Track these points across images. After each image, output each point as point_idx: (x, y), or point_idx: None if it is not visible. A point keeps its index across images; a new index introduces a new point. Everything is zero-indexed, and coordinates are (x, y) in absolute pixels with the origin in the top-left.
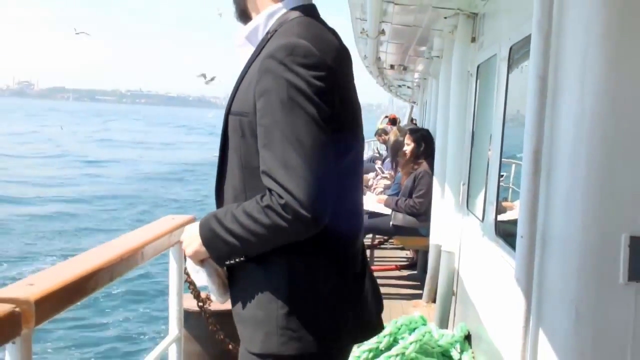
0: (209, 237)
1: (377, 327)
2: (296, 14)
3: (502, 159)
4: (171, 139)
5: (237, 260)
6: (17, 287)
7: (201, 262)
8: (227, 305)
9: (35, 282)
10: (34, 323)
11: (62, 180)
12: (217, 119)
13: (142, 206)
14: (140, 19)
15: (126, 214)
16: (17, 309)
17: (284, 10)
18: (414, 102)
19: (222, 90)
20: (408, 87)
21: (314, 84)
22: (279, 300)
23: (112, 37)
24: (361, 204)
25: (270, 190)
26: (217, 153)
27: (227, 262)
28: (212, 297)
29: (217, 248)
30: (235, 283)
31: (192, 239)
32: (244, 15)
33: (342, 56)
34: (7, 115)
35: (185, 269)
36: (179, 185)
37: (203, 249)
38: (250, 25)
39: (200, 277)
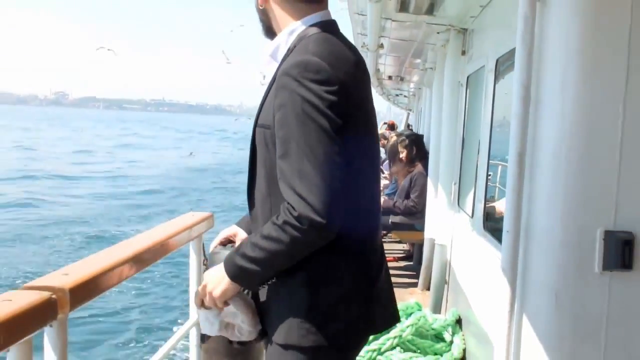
0: (236, 273)
1: (394, 318)
2: (314, 30)
3: (490, 161)
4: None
5: (269, 283)
6: (53, 276)
7: (226, 302)
8: None
9: (70, 271)
10: (68, 309)
11: (108, 175)
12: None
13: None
14: (163, 35)
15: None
16: (53, 296)
17: (303, 27)
18: (410, 110)
19: (237, 99)
20: (404, 96)
21: (325, 98)
22: (300, 296)
23: (137, 50)
24: (378, 203)
25: (286, 202)
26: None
27: (260, 288)
28: (241, 335)
29: (247, 279)
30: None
31: (217, 280)
32: (270, 32)
33: (357, 68)
34: (47, 122)
35: (206, 259)
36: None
37: (232, 286)
38: (273, 43)
39: (214, 328)
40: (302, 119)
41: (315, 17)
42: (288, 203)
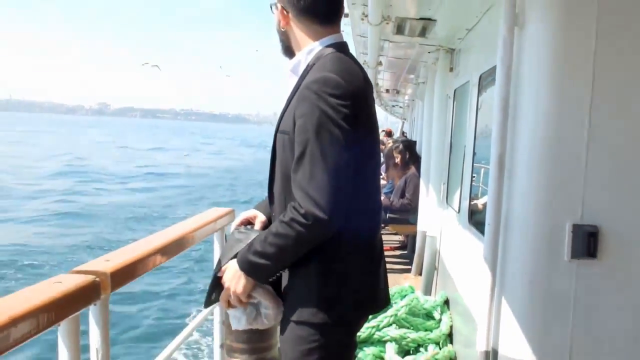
0: (249, 268)
1: (386, 301)
2: (330, 50)
3: (474, 164)
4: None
5: (279, 274)
6: (97, 262)
7: (250, 294)
8: None
9: (111, 258)
10: (109, 290)
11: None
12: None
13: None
14: (192, 53)
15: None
16: (97, 279)
17: (320, 47)
18: (405, 119)
19: (254, 108)
20: (400, 106)
21: (340, 111)
22: (312, 284)
23: (169, 64)
24: (379, 202)
25: (294, 201)
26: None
27: (271, 279)
28: (268, 321)
29: (258, 273)
30: (290, 271)
31: (235, 278)
32: (288, 51)
33: (365, 82)
34: (90, 129)
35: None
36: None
37: (248, 280)
38: (294, 60)
39: (242, 323)
40: (319, 128)
41: (330, 39)
42: (297, 201)
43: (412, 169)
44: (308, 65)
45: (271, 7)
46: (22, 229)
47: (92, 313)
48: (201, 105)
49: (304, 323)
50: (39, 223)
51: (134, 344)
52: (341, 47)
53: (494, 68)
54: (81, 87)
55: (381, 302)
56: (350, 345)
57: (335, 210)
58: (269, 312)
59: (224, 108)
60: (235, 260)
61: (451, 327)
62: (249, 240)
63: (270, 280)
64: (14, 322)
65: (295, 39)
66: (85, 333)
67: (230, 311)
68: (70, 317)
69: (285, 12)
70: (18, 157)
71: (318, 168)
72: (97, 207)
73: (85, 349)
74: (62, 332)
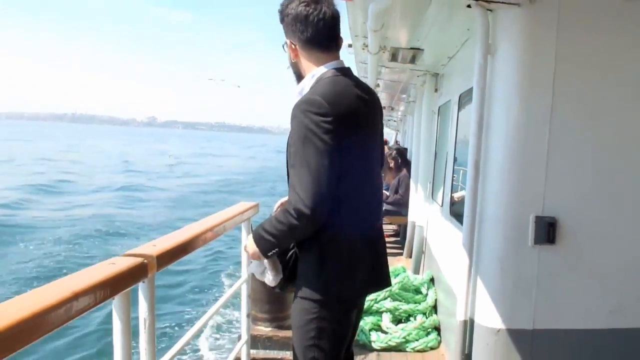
0: (257, 240)
1: (385, 283)
2: (330, 73)
3: (455, 167)
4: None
5: (274, 251)
6: (146, 247)
7: (261, 259)
8: None
9: (157, 243)
10: (155, 270)
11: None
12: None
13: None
14: (222, 71)
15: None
16: (145, 261)
17: (323, 70)
18: (398, 130)
19: (275, 122)
20: (394, 120)
21: (322, 127)
22: (315, 263)
23: (207, 84)
24: (378, 198)
25: (290, 198)
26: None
27: (269, 254)
28: (268, 281)
29: (263, 245)
30: (300, 257)
31: (251, 244)
32: (300, 77)
33: (359, 102)
34: (145, 138)
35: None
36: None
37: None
38: (301, 85)
39: (257, 272)
40: (304, 140)
41: (332, 64)
42: (290, 198)
43: (404, 171)
44: (311, 88)
45: (283, 47)
46: (92, 211)
47: (141, 289)
48: (231, 119)
49: (307, 299)
50: (106, 208)
51: (176, 314)
52: (340, 71)
53: (471, 89)
54: (133, 102)
55: (376, 284)
56: (344, 320)
57: (317, 206)
58: (270, 276)
59: (250, 121)
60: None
61: (436, 300)
62: None
63: (269, 254)
64: (76, 296)
65: (303, 67)
66: (135, 305)
67: (252, 263)
68: (122, 292)
69: (293, 45)
70: (87, 160)
71: (304, 173)
72: (150, 196)
73: (135, 319)
74: (116, 304)
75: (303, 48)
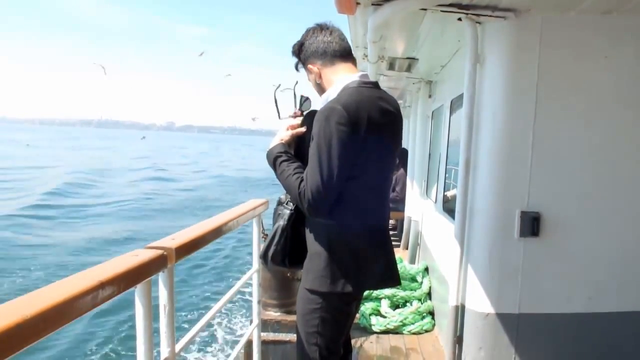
0: (269, 156)
1: (393, 280)
2: (356, 83)
3: (447, 166)
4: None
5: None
6: (165, 240)
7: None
8: None
9: (176, 237)
10: (174, 261)
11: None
12: None
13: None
14: (234, 84)
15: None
16: (164, 253)
17: (350, 80)
18: None
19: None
20: None
21: (339, 135)
22: (322, 257)
23: (219, 92)
24: (385, 198)
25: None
26: None
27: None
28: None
29: (270, 162)
30: (308, 251)
31: (273, 143)
32: (323, 92)
33: (379, 113)
34: (162, 141)
35: (263, 230)
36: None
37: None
38: (326, 93)
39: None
40: (322, 142)
41: (356, 75)
42: (303, 183)
43: (401, 170)
44: (337, 94)
45: (296, 68)
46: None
47: (161, 278)
48: (241, 123)
49: (311, 291)
50: (130, 204)
51: (194, 301)
52: (363, 84)
53: (462, 95)
54: (153, 108)
55: (384, 280)
56: (345, 311)
57: (317, 198)
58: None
59: (259, 125)
60: (276, 144)
61: (430, 287)
62: None
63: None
64: (102, 285)
65: (327, 82)
66: (156, 293)
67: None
68: (144, 281)
69: (316, 68)
70: (114, 160)
71: (317, 168)
72: (174, 196)
73: (156, 306)
74: (138, 292)
75: (327, 64)
